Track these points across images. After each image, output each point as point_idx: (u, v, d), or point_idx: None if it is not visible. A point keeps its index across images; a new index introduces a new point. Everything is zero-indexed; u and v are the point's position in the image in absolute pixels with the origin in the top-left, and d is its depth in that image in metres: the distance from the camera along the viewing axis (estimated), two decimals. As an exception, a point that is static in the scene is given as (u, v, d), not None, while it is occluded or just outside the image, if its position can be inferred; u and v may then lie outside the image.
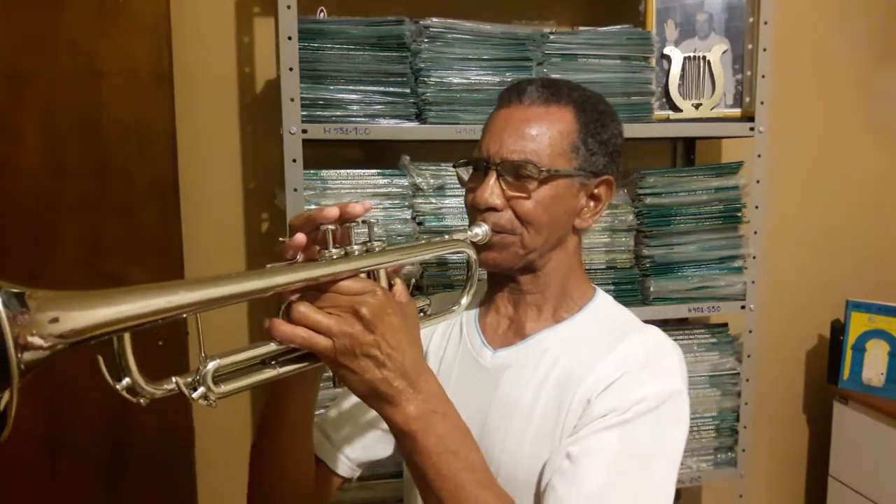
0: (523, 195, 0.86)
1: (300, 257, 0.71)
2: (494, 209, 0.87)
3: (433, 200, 1.52)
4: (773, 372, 2.09)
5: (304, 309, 0.66)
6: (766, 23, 1.62)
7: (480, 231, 0.87)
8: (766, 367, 1.99)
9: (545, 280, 0.92)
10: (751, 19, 1.66)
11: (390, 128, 1.47)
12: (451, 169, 1.53)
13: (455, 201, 1.53)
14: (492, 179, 0.87)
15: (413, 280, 0.84)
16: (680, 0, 1.65)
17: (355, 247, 0.71)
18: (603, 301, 0.95)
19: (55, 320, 0.49)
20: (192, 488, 1.61)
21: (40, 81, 1.41)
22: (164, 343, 1.44)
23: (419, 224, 1.52)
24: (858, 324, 1.98)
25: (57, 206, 1.43)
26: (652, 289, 1.63)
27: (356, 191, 1.49)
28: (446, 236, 0.85)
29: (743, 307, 1.68)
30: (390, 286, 0.74)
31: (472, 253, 0.88)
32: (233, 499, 1.84)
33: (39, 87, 1.41)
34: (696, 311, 1.66)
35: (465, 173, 0.95)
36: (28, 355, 0.46)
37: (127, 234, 1.48)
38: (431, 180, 1.52)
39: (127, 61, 1.44)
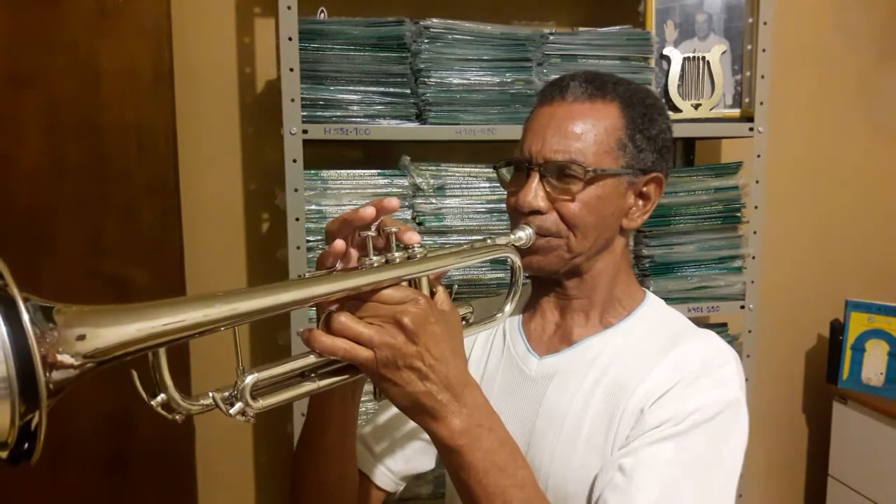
0: (568, 197, 0.82)
1: (339, 265, 0.68)
2: (538, 212, 0.83)
3: (433, 201, 1.52)
4: (772, 372, 2.10)
5: (344, 319, 0.63)
6: (765, 23, 1.62)
7: (524, 235, 0.83)
8: (766, 367, 2.00)
9: (592, 284, 0.88)
10: (750, 20, 1.66)
11: (390, 128, 1.47)
12: (451, 169, 1.53)
13: (455, 201, 1.53)
14: (535, 181, 0.83)
15: (455, 287, 0.80)
16: (679, 1, 1.65)
17: (396, 254, 0.68)
18: (654, 305, 0.91)
19: (82, 337, 0.46)
20: (192, 489, 1.61)
21: (40, 81, 1.41)
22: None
23: (419, 224, 1.52)
24: (858, 324, 1.98)
25: (57, 206, 1.43)
26: (651, 289, 1.63)
27: (356, 191, 1.49)
28: (488, 240, 0.81)
29: (742, 307, 1.68)
30: (432, 294, 0.71)
31: (516, 258, 0.84)
32: (233, 500, 1.84)
33: (40, 86, 1.41)
34: (696, 311, 1.66)
35: (507, 174, 0.91)
36: (57, 375, 0.44)
37: (127, 234, 1.48)
38: (431, 180, 1.52)
39: (127, 61, 1.44)
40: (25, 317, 0.42)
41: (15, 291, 0.43)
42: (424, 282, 0.70)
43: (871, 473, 1.93)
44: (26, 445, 0.43)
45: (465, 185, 1.54)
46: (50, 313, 0.45)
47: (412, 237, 0.68)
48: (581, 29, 1.60)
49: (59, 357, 0.45)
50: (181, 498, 1.57)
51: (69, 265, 1.45)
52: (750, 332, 1.69)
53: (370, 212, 0.67)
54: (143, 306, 0.52)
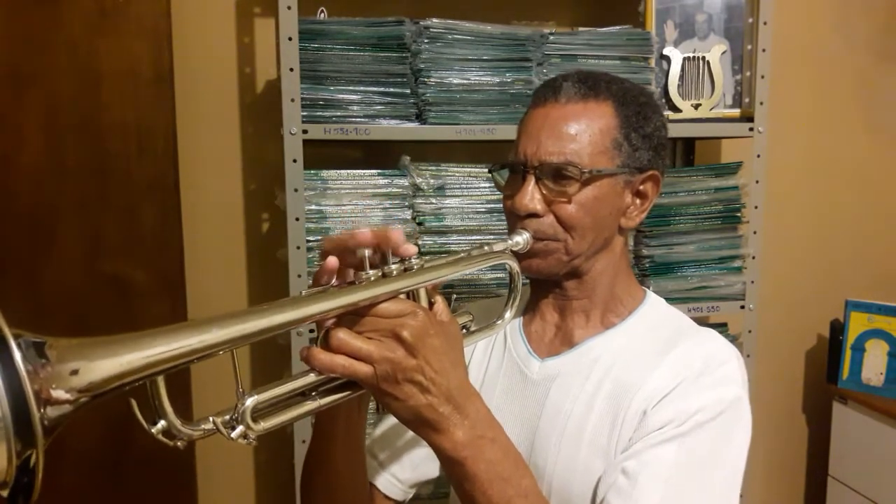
0: (564, 199, 0.82)
1: (334, 281, 0.68)
2: (535, 215, 0.83)
3: (433, 200, 1.52)
4: (772, 372, 2.10)
5: (342, 335, 0.62)
6: (765, 23, 1.62)
7: (521, 239, 0.82)
8: (766, 367, 2.00)
9: (591, 284, 0.88)
10: (750, 20, 1.66)
11: (390, 128, 1.48)
12: (451, 169, 1.53)
13: (455, 201, 1.53)
14: (531, 184, 0.83)
15: (454, 296, 0.80)
16: (679, 1, 1.65)
17: (393, 266, 0.67)
18: (654, 304, 0.91)
19: (75, 372, 0.46)
20: (192, 490, 1.61)
21: (41, 81, 1.41)
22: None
23: (419, 224, 1.52)
24: (858, 324, 1.98)
25: (57, 206, 1.44)
26: (651, 289, 1.63)
27: (356, 191, 1.49)
28: (486, 247, 0.80)
29: (742, 307, 1.68)
30: (430, 304, 0.70)
31: (514, 265, 0.83)
32: (233, 500, 1.84)
33: (40, 87, 1.41)
34: (696, 311, 1.66)
35: (501, 177, 0.90)
36: (52, 411, 0.43)
37: (127, 234, 1.48)
38: (431, 180, 1.52)
39: (127, 61, 1.44)
40: (17, 355, 0.41)
41: (5, 329, 0.42)
42: (422, 293, 0.69)
43: (871, 473, 1.93)
44: (25, 480, 0.43)
45: (465, 185, 1.54)
46: (42, 349, 0.44)
47: (408, 249, 0.67)
48: (581, 29, 1.60)
49: (54, 393, 0.44)
50: (181, 498, 1.58)
51: (69, 265, 1.45)
52: (750, 332, 1.69)
53: (364, 234, 0.66)
54: (137, 336, 0.51)
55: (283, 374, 1.53)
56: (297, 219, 1.43)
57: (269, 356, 1.71)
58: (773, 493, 2.20)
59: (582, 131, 0.82)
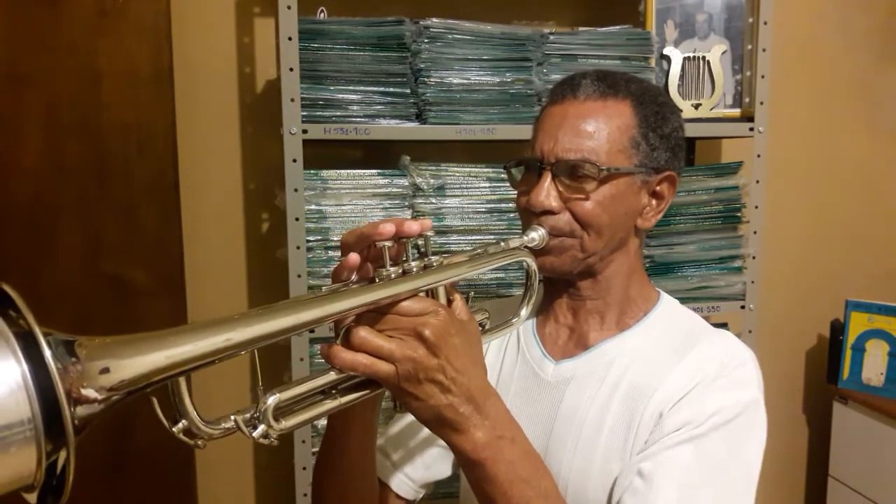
0: (581, 196, 0.81)
1: (354, 276, 0.67)
2: (550, 212, 0.82)
3: (433, 200, 1.52)
4: (772, 372, 2.08)
5: (364, 333, 0.62)
6: (765, 23, 1.62)
7: (537, 235, 0.82)
8: (766, 367, 1.98)
9: (606, 285, 0.87)
10: (750, 20, 1.66)
11: (390, 128, 1.47)
12: (451, 169, 1.53)
13: (455, 201, 1.53)
14: (547, 181, 0.82)
15: (471, 294, 0.79)
16: (680, 0, 1.65)
17: (413, 264, 0.66)
18: (669, 305, 0.91)
19: (106, 370, 0.45)
20: (192, 489, 1.61)
21: (40, 81, 1.41)
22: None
23: (419, 224, 1.52)
24: (858, 324, 1.98)
25: (57, 206, 1.44)
26: (652, 289, 1.63)
27: (356, 191, 1.49)
28: (502, 243, 0.80)
29: (743, 307, 1.68)
30: (449, 302, 0.70)
31: (531, 262, 0.83)
32: (233, 499, 1.84)
33: (39, 87, 1.41)
34: (696, 311, 1.63)
35: (517, 174, 0.90)
36: (82, 410, 0.43)
37: (127, 234, 1.48)
38: (431, 180, 1.52)
39: (127, 61, 1.44)
40: (48, 353, 0.40)
41: (35, 327, 0.41)
42: (441, 291, 0.69)
43: (871, 473, 1.93)
44: (54, 482, 0.42)
45: (465, 185, 1.54)
46: (72, 347, 0.44)
47: (424, 223, 0.67)
48: (581, 29, 1.60)
49: (84, 392, 0.43)
50: (181, 497, 1.58)
51: (69, 265, 1.45)
52: (750, 332, 1.69)
53: (389, 229, 0.65)
54: (165, 334, 0.51)
55: (283, 373, 1.53)
56: (297, 219, 1.43)
57: (268, 354, 1.71)
58: (773, 493, 2.20)
59: (600, 129, 0.82)
